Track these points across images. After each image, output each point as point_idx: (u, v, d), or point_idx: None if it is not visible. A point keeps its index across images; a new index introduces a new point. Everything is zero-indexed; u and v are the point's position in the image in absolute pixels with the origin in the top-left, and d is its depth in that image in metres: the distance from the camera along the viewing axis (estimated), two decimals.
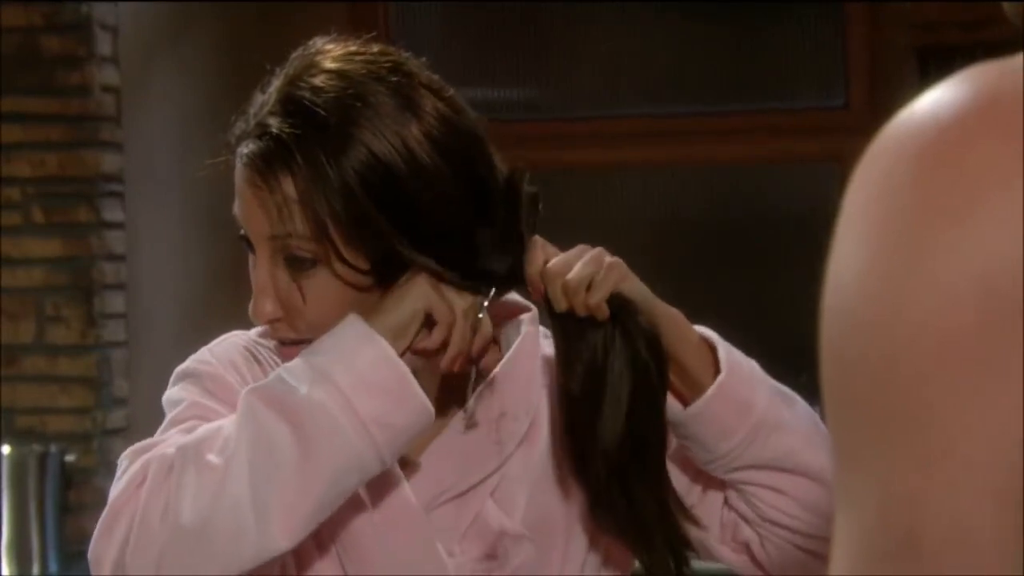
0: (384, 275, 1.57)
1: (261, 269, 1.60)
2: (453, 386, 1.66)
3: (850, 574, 0.75)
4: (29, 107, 4.18)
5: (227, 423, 1.55)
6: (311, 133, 1.55)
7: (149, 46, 4.43)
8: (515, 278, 1.61)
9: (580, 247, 1.62)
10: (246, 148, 1.58)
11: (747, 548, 1.71)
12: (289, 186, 1.55)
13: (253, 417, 1.53)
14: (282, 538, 1.50)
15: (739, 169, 4.55)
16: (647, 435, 1.61)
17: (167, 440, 1.57)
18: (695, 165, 4.55)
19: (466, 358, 1.61)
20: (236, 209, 1.61)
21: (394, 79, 1.59)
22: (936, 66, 4.01)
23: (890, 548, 0.73)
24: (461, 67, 4.40)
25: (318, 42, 1.63)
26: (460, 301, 1.59)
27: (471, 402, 1.65)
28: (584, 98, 4.58)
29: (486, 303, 1.60)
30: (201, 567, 1.51)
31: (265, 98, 1.60)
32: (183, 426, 1.59)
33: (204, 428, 1.56)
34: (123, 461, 1.57)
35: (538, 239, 1.62)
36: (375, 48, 1.62)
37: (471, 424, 1.65)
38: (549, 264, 1.60)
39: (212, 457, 1.52)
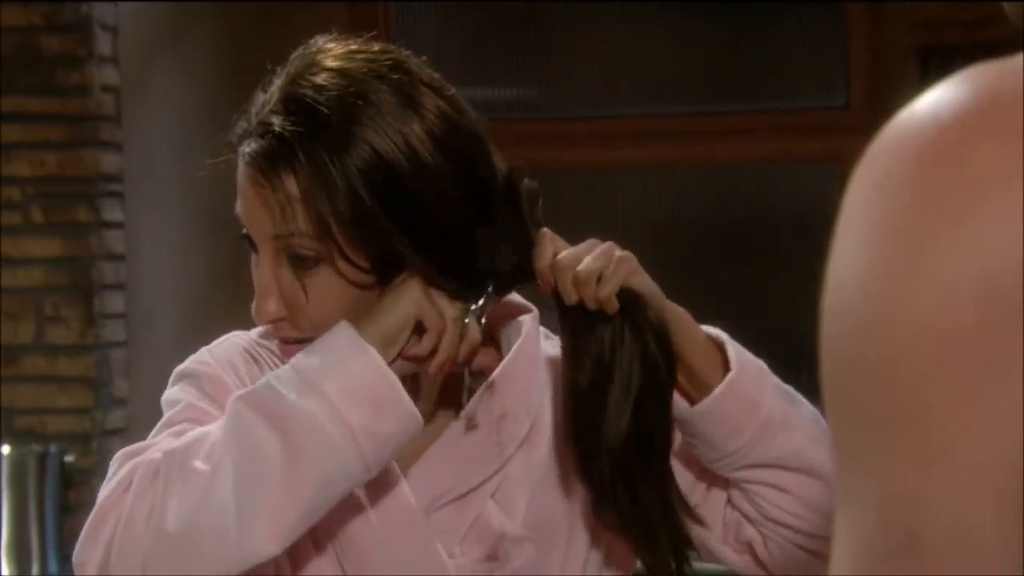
0: (386, 273, 1.57)
1: (264, 268, 1.60)
2: (453, 388, 1.66)
3: (850, 574, 0.75)
4: (29, 107, 4.18)
5: (215, 428, 1.55)
6: (313, 131, 1.55)
7: (149, 46, 4.43)
8: (523, 274, 1.61)
9: (591, 241, 1.62)
10: (248, 147, 1.58)
11: (750, 548, 1.70)
12: (292, 185, 1.55)
13: (240, 424, 1.53)
14: (267, 545, 1.50)
15: (739, 169, 4.55)
16: (653, 431, 1.61)
17: (156, 444, 1.57)
18: (695, 165, 4.55)
19: (453, 364, 1.61)
20: (238, 208, 1.61)
21: (395, 77, 1.58)
22: (937, 66, 4.01)
23: (890, 548, 0.73)
24: (461, 67, 4.40)
25: (319, 41, 1.63)
26: (450, 309, 1.59)
27: (472, 404, 1.65)
28: (584, 98, 4.58)
29: (473, 308, 1.60)
30: (185, 573, 1.51)
31: (267, 97, 1.59)
32: (175, 429, 1.59)
33: (192, 433, 1.56)
34: (114, 463, 1.58)
35: (547, 232, 1.62)
36: (376, 47, 1.62)
37: (471, 426, 1.65)
38: (559, 257, 1.60)
39: (198, 463, 1.52)
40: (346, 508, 1.59)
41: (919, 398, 0.72)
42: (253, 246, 1.61)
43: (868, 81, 4.33)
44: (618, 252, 1.61)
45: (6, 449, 4.06)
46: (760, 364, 1.69)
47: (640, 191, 4.60)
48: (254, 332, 1.70)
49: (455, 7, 4.62)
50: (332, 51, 1.61)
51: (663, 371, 1.60)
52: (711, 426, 1.64)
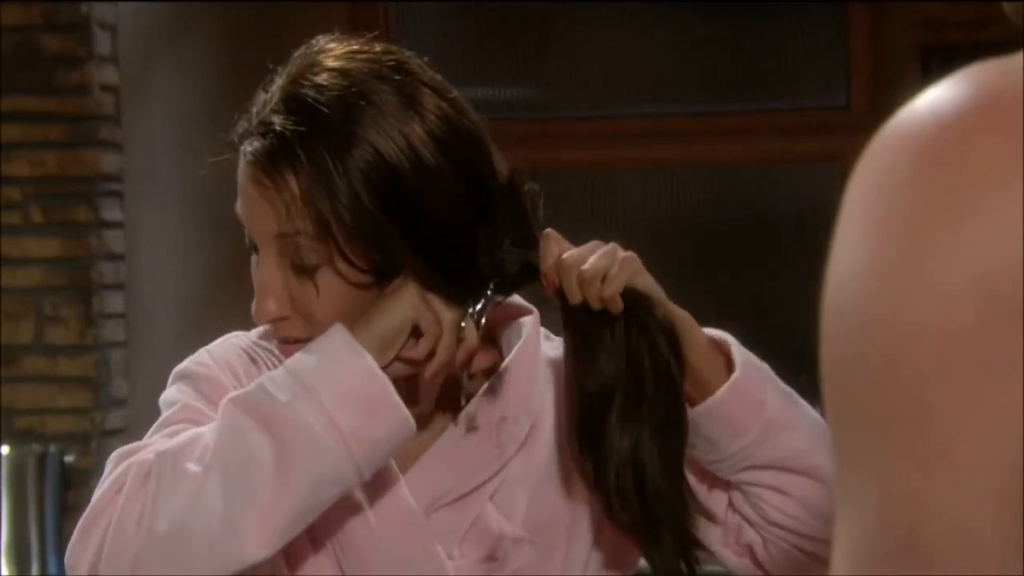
0: (386, 275, 1.57)
1: (266, 268, 1.59)
2: (453, 390, 1.66)
3: (850, 574, 0.75)
4: (28, 106, 4.18)
5: (208, 430, 1.55)
6: (314, 131, 1.55)
7: (149, 46, 4.43)
8: (527, 274, 1.61)
9: (594, 242, 1.62)
10: (250, 146, 1.58)
11: (750, 551, 1.70)
12: (294, 184, 1.55)
13: (232, 426, 1.53)
14: (256, 548, 1.50)
15: (739, 169, 4.55)
16: (667, 427, 1.60)
17: (151, 444, 1.57)
18: (695, 165, 4.55)
19: (450, 369, 1.61)
20: (238, 208, 1.61)
21: (397, 78, 1.58)
22: (938, 65, 4.01)
23: (890, 548, 0.73)
24: (461, 67, 4.40)
25: (321, 41, 1.63)
26: (447, 313, 1.58)
27: (472, 406, 1.65)
28: (584, 98, 4.58)
29: (471, 311, 1.59)
30: (175, 574, 1.51)
31: (268, 96, 1.59)
32: (170, 429, 1.59)
33: (185, 435, 1.56)
34: (109, 463, 1.58)
35: (552, 232, 1.62)
36: (378, 47, 1.62)
37: (471, 428, 1.65)
38: (564, 256, 1.60)
39: (190, 464, 1.52)
40: (345, 509, 1.59)
41: (919, 398, 0.72)
42: (254, 247, 1.61)
43: (869, 81, 4.33)
44: (622, 252, 1.61)
45: (6, 449, 4.05)
46: (764, 366, 1.69)
47: (640, 191, 4.60)
48: (253, 333, 1.70)
49: (455, 7, 4.62)
50: (333, 51, 1.61)
51: (674, 368, 1.60)
52: (715, 426, 1.64)
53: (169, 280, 4.45)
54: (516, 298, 1.69)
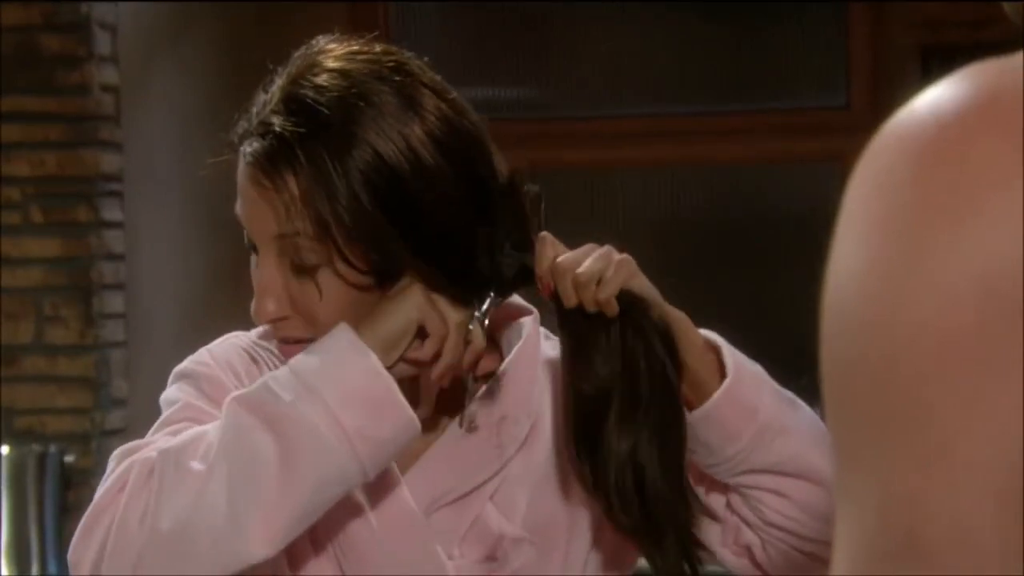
0: (386, 276, 1.57)
1: (265, 268, 1.59)
2: (454, 390, 1.66)
3: (850, 574, 0.75)
4: (28, 106, 4.18)
5: (211, 429, 1.55)
6: (314, 132, 1.55)
7: (149, 46, 4.43)
8: (524, 277, 1.61)
9: (589, 245, 1.62)
10: (250, 147, 1.58)
11: (748, 551, 1.70)
12: (294, 185, 1.55)
13: (236, 425, 1.52)
14: (260, 547, 1.50)
15: (739, 169, 4.55)
16: (667, 431, 1.60)
17: (153, 442, 1.57)
18: (695, 165, 4.55)
19: (457, 371, 1.61)
20: (238, 208, 1.61)
21: (397, 79, 1.58)
22: (938, 65, 4.01)
23: (890, 548, 0.73)
24: (461, 67, 4.40)
25: (321, 41, 1.63)
26: (454, 314, 1.58)
27: (472, 406, 1.65)
28: (584, 98, 4.58)
29: (477, 314, 1.59)
30: (178, 573, 1.50)
31: (268, 97, 1.59)
32: (172, 428, 1.59)
33: (188, 433, 1.56)
34: (111, 462, 1.58)
35: (547, 236, 1.62)
36: (378, 48, 1.62)
37: (472, 428, 1.65)
38: (559, 260, 1.60)
39: (194, 463, 1.52)
40: (345, 509, 1.59)
41: (919, 398, 0.72)
42: (253, 246, 1.61)
43: (869, 81, 4.33)
44: (617, 255, 1.61)
45: (5, 449, 4.05)
46: (757, 368, 1.68)
47: (640, 191, 4.59)
48: (253, 333, 1.70)
49: (455, 7, 4.62)
50: (333, 52, 1.60)
51: (671, 370, 1.60)
52: (709, 431, 1.64)
53: (169, 280, 4.45)
54: (516, 298, 1.69)
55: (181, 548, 1.50)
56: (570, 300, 1.59)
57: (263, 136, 1.57)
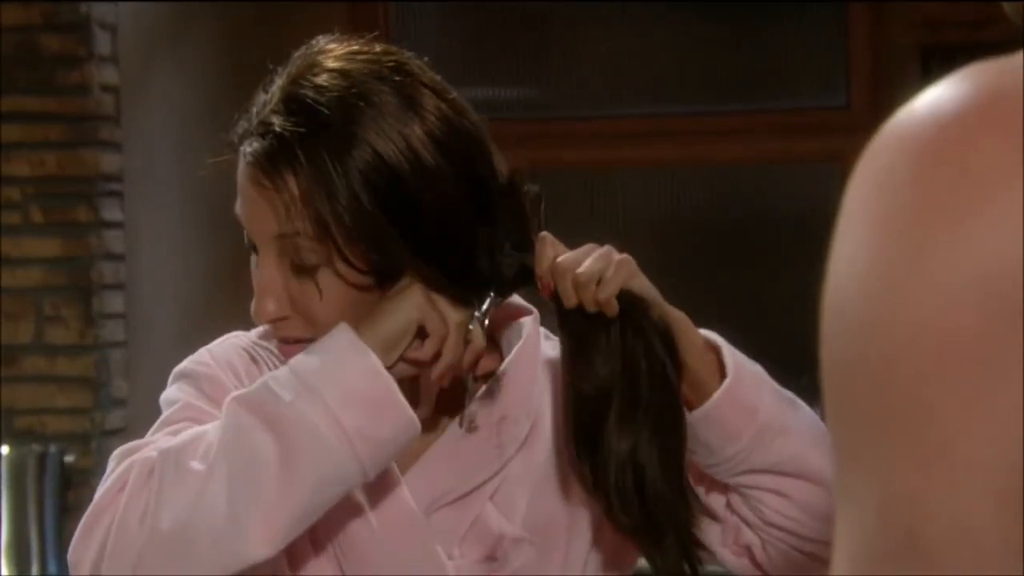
0: (386, 276, 1.57)
1: (265, 268, 1.59)
2: (454, 390, 1.66)
3: (850, 574, 0.75)
4: (28, 106, 4.18)
5: (211, 428, 1.55)
6: (314, 132, 1.55)
7: (148, 45, 4.43)
8: (524, 277, 1.61)
9: (589, 245, 1.62)
10: (249, 147, 1.58)
11: (748, 551, 1.70)
12: (294, 185, 1.55)
13: (236, 425, 1.52)
14: (260, 547, 1.50)
15: (739, 169, 4.55)
16: (667, 431, 1.60)
17: (154, 442, 1.57)
18: (695, 165, 4.55)
19: (457, 371, 1.61)
20: (238, 208, 1.61)
21: (397, 79, 1.58)
22: (938, 65, 4.01)
23: (890, 548, 0.73)
24: (461, 67, 4.40)
25: (321, 41, 1.63)
26: (454, 314, 1.58)
27: (472, 406, 1.65)
28: (585, 98, 4.58)
29: (477, 314, 1.59)
30: (178, 573, 1.50)
31: (268, 97, 1.59)
32: (172, 428, 1.59)
33: (188, 433, 1.56)
34: (111, 461, 1.58)
35: (547, 236, 1.62)
36: (378, 48, 1.62)
37: (472, 428, 1.64)
38: (558, 260, 1.60)
39: (194, 463, 1.51)
40: (345, 509, 1.59)
41: (919, 398, 0.72)
42: (254, 248, 1.61)
43: (869, 81, 4.33)
44: (617, 255, 1.61)
45: (5, 449, 4.05)
46: (757, 368, 1.68)
47: (640, 191, 4.59)
48: (253, 333, 1.70)
49: (455, 7, 4.62)
50: (334, 52, 1.60)
51: (670, 370, 1.60)
52: (709, 432, 1.64)
53: (169, 280, 4.45)
54: (516, 298, 1.68)
55: (181, 548, 1.50)
56: (570, 300, 1.59)
57: (263, 136, 1.57)
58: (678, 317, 1.63)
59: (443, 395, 1.65)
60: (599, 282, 1.58)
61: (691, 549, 1.62)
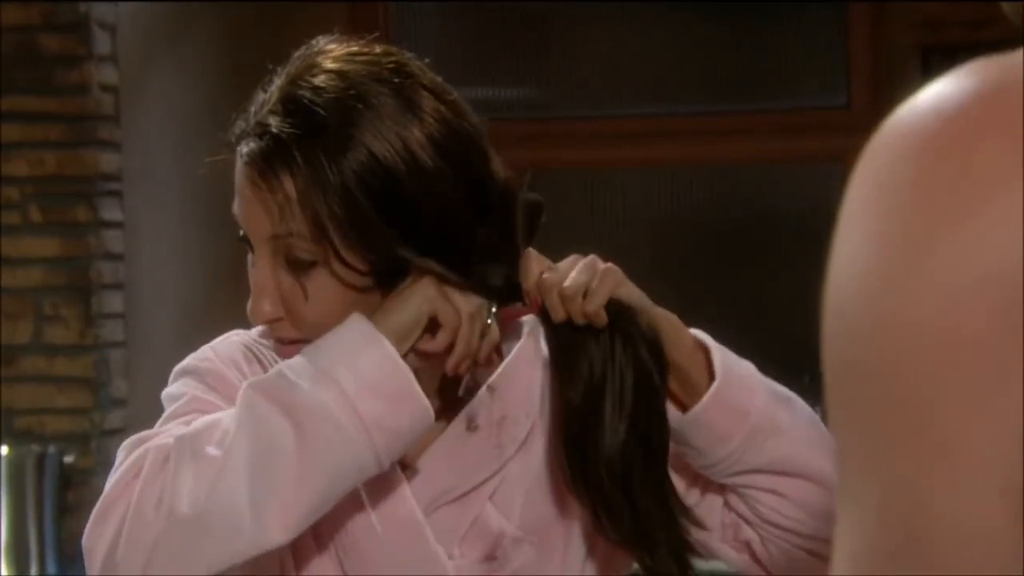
0: (384, 277, 1.57)
1: (261, 269, 1.59)
2: (452, 388, 1.66)
3: (851, 574, 0.74)
4: (27, 106, 4.18)
5: (225, 416, 1.55)
6: (311, 133, 1.55)
7: (148, 45, 4.43)
8: (511, 291, 1.61)
9: (573, 257, 1.62)
10: (246, 147, 1.58)
11: (748, 547, 1.70)
12: (290, 186, 1.55)
13: (253, 411, 1.52)
14: (277, 533, 1.50)
15: (739, 169, 4.55)
16: (650, 439, 1.61)
17: (166, 431, 1.57)
18: (695, 165, 4.55)
19: (472, 361, 1.60)
20: (235, 208, 1.61)
21: (396, 80, 1.58)
22: (938, 65, 4.00)
23: (891, 548, 0.73)
24: (461, 67, 4.40)
25: (320, 41, 1.63)
26: (466, 305, 1.58)
27: (473, 405, 1.65)
28: (585, 97, 4.58)
29: (492, 308, 1.60)
30: (194, 558, 1.50)
31: (266, 97, 1.59)
32: (182, 419, 1.59)
33: (202, 420, 1.56)
34: (121, 452, 1.57)
35: (531, 251, 1.62)
36: (378, 49, 1.61)
37: (472, 427, 1.65)
38: (544, 275, 1.60)
39: (210, 449, 1.51)
40: (347, 507, 1.59)
41: (920, 398, 0.72)
42: (250, 246, 1.61)
43: (869, 80, 4.33)
44: (601, 265, 1.61)
45: (5, 450, 4.05)
46: (748, 367, 1.68)
47: (640, 191, 4.59)
48: (254, 331, 1.70)
49: (455, 7, 4.62)
50: (332, 52, 1.60)
51: (656, 378, 1.60)
52: (699, 434, 1.64)
53: (169, 280, 4.45)
54: None
55: (198, 533, 1.50)
56: (558, 314, 1.60)
57: (260, 137, 1.57)
58: (667, 319, 1.63)
59: (441, 394, 1.65)
60: (586, 294, 1.58)
61: (684, 556, 1.63)
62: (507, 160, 1.64)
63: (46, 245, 4.19)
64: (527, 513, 1.66)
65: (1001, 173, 0.72)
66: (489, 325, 1.59)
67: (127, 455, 1.56)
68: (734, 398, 1.64)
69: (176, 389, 1.64)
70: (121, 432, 4.16)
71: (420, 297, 1.57)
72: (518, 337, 1.68)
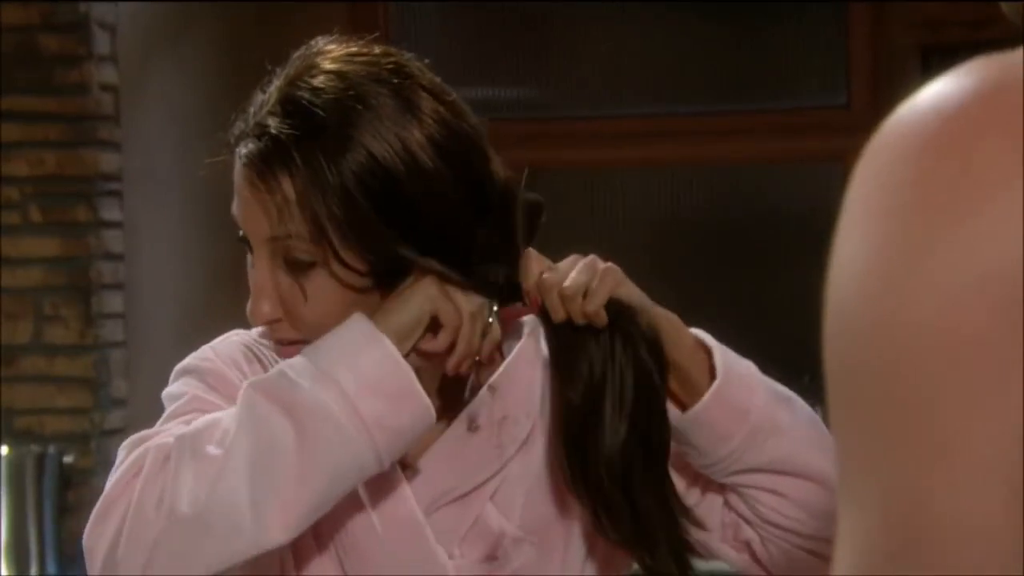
0: (383, 277, 1.57)
1: (260, 269, 1.59)
2: (452, 388, 1.66)
3: (853, 574, 0.74)
4: (27, 106, 4.18)
5: (225, 415, 1.54)
6: (309, 134, 1.55)
7: (148, 45, 4.43)
8: (511, 291, 1.61)
9: (572, 257, 1.62)
10: (245, 148, 1.58)
11: (748, 547, 1.70)
12: (289, 187, 1.55)
13: (253, 411, 1.52)
14: (277, 533, 1.50)
15: (740, 169, 4.55)
16: (650, 439, 1.61)
17: (166, 430, 1.57)
18: (695, 165, 4.55)
19: (473, 361, 1.60)
20: (234, 209, 1.61)
21: (395, 81, 1.58)
22: (938, 65, 4.00)
23: (893, 548, 0.73)
24: (461, 67, 4.40)
25: (320, 42, 1.63)
26: (467, 304, 1.58)
27: (474, 405, 1.65)
28: (585, 97, 4.58)
29: (494, 307, 1.60)
30: (194, 558, 1.50)
31: (265, 98, 1.59)
32: (183, 419, 1.59)
33: (203, 419, 1.56)
34: (122, 451, 1.57)
35: (531, 251, 1.62)
36: (377, 49, 1.61)
37: (473, 427, 1.65)
38: (544, 276, 1.60)
39: (211, 448, 1.51)
40: (348, 507, 1.59)
41: (921, 398, 0.72)
42: (249, 247, 1.61)
43: (869, 80, 4.33)
44: (601, 264, 1.61)
45: (4, 450, 4.05)
46: (748, 367, 1.68)
47: (640, 191, 4.59)
48: (254, 331, 1.69)
49: (455, 7, 4.62)
50: (332, 53, 1.60)
51: (656, 378, 1.60)
52: (700, 434, 1.64)
53: (169, 280, 4.45)
54: None
55: (198, 532, 1.50)
56: (558, 314, 1.60)
57: (259, 137, 1.57)
58: (667, 319, 1.63)
59: (441, 394, 1.65)
60: (586, 294, 1.58)
61: (684, 556, 1.63)
62: (507, 160, 1.64)
63: (46, 245, 4.19)
64: (527, 513, 1.66)
65: (1001, 172, 0.72)
66: (491, 324, 1.59)
67: (127, 454, 1.56)
68: (735, 397, 1.64)
69: (176, 388, 1.64)
70: (121, 432, 4.15)
71: (422, 296, 1.57)
72: (518, 337, 1.68)
